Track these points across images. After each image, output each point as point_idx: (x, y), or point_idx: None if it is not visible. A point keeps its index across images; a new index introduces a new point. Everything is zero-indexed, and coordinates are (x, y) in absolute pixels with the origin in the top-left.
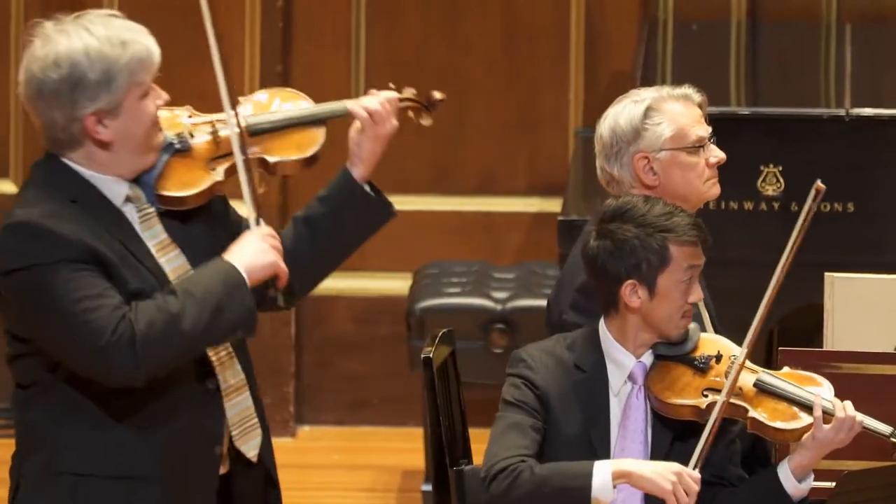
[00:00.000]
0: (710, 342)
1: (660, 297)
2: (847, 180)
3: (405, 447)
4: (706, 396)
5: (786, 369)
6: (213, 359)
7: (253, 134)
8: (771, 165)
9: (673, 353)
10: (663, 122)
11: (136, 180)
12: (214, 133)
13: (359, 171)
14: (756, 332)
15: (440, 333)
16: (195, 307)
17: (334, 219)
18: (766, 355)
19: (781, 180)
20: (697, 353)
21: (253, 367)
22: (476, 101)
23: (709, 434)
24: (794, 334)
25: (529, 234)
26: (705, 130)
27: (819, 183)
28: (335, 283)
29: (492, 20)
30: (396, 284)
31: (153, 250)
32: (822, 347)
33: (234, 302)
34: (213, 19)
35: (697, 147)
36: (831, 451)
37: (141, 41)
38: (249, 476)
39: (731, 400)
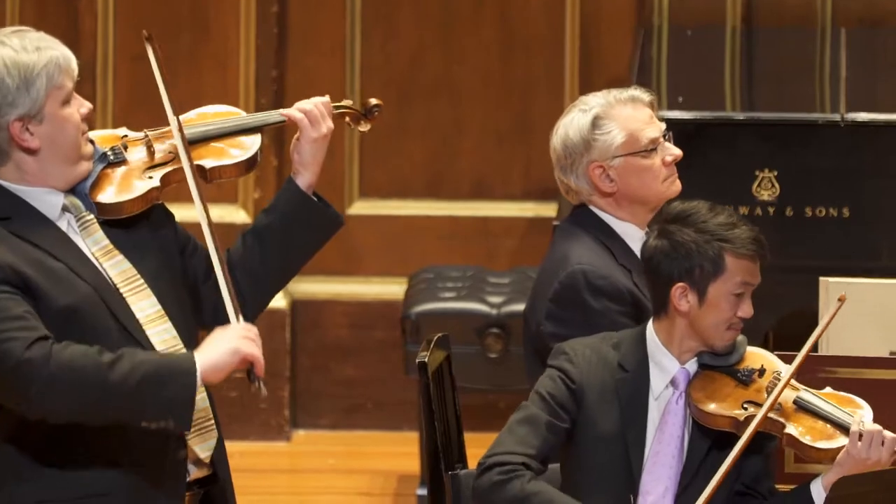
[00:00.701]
0: (757, 356)
1: (709, 305)
2: (842, 185)
3: (400, 452)
4: (745, 409)
5: (828, 389)
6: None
7: (192, 143)
8: (766, 170)
9: (717, 364)
10: (613, 130)
11: (73, 190)
12: (149, 144)
13: (303, 179)
14: (807, 351)
15: (435, 338)
16: (128, 367)
17: (281, 229)
18: None
19: (777, 185)
20: (742, 366)
21: None
22: (471, 108)
23: (741, 446)
24: (788, 339)
25: (524, 239)
26: (658, 130)
27: (843, 294)
28: (331, 288)
29: (487, 28)
30: (392, 289)
31: (94, 257)
32: (816, 352)
33: (173, 384)
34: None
35: (651, 149)
36: (866, 469)
37: (56, 48)
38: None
39: (770, 415)
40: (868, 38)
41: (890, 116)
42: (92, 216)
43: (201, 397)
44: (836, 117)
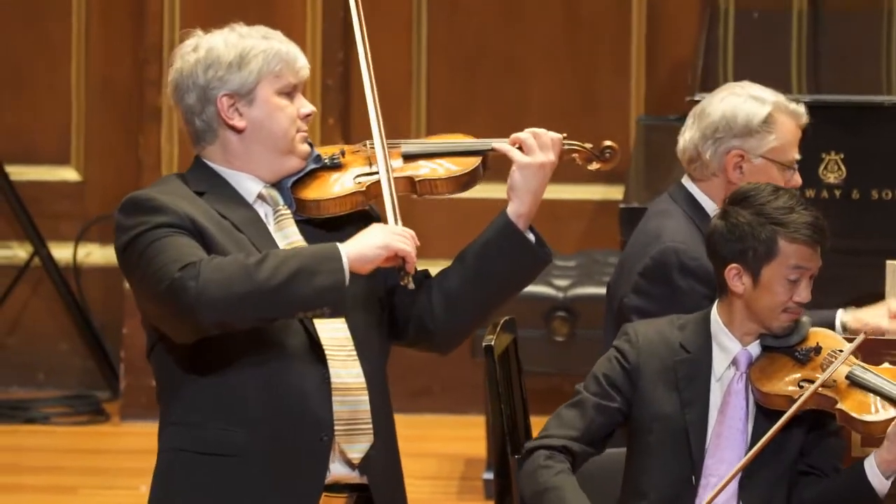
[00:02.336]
0: (820, 335)
1: (763, 287)
2: None
3: (467, 435)
4: (801, 387)
5: (886, 365)
6: (327, 350)
7: (406, 158)
8: (832, 153)
9: (778, 345)
10: (774, 133)
11: (276, 184)
12: (368, 158)
13: (512, 206)
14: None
15: (501, 321)
16: (274, 263)
17: (480, 253)
18: None
19: (843, 168)
20: (802, 346)
21: (382, 376)
22: (537, 88)
23: (785, 419)
24: None
25: (592, 222)
26: (798, 155)
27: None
28: None
29: (553, 6)
30: None
31: (281, 247)
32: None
33: (322, 270)
34: (365, 46)
35: (789, 168)
36: None
37: (285, 44)
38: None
39: (822, 391)
40: None
41: None
42: (289, 211)
43: (361, 399)
44: None
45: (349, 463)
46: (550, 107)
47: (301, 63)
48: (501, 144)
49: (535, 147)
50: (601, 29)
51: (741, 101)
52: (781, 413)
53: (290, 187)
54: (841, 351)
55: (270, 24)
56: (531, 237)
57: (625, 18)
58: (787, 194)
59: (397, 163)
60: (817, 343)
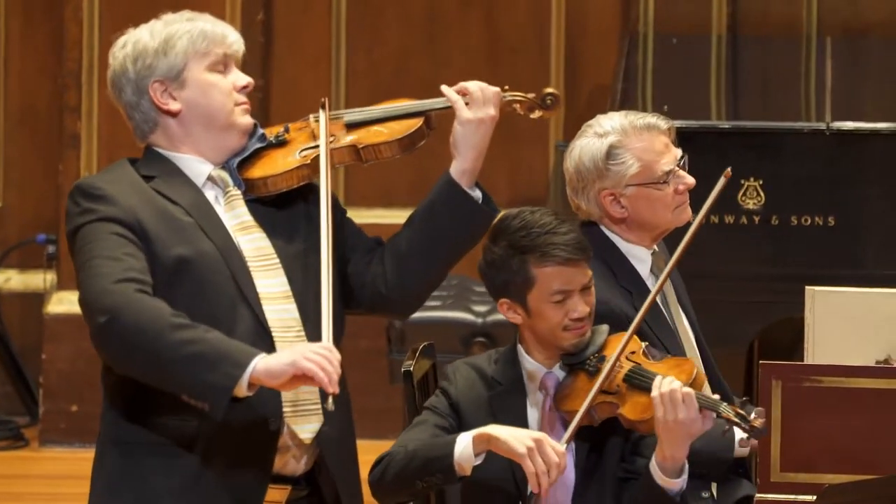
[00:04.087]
0: (614, 342)
1: (535, 315)
2: (828, 194)
3: None
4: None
5: (668, 356)
6: (275, 333)
7: (349, 127)
8: (752, 179)
9: (573, 362)
10: (627, 160)
11: (224, 165)
12: (311, 129)
13: (455, 165)
14: (635, 327)
15: (421, 347)
16: (189, 336)
17: (425, 212)
18: (746, 367)
19: (762, 194)
20: (592, 358)
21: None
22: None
23: (571, 431)
24: (774, 348)
25: None
26: (672, 161)
27: (728, 170)
28: None
29: (472, 34)
30: None
31: (231, 229)
32: (802, 361)
33: (219, 371)
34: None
35: (664, 182)
36: (688, 435)
37: (211, 23)
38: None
39: (606, 399)
40: (853, 46)
41: (875, 125)
42: (238, 192)
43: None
44: (822, 125)
45: (298, 448)
46: None
47: (232, 38)
48: (448, 91)
49: (480, 101)
50: (521, 54)
51: (586, 142)
52: (597, 431)
53: (235, 167)
54: (629, 357)
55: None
56: (477, 194)
57: (544, 43)
58: (537, 218)
59: (341, 133)
60: (601, 352)
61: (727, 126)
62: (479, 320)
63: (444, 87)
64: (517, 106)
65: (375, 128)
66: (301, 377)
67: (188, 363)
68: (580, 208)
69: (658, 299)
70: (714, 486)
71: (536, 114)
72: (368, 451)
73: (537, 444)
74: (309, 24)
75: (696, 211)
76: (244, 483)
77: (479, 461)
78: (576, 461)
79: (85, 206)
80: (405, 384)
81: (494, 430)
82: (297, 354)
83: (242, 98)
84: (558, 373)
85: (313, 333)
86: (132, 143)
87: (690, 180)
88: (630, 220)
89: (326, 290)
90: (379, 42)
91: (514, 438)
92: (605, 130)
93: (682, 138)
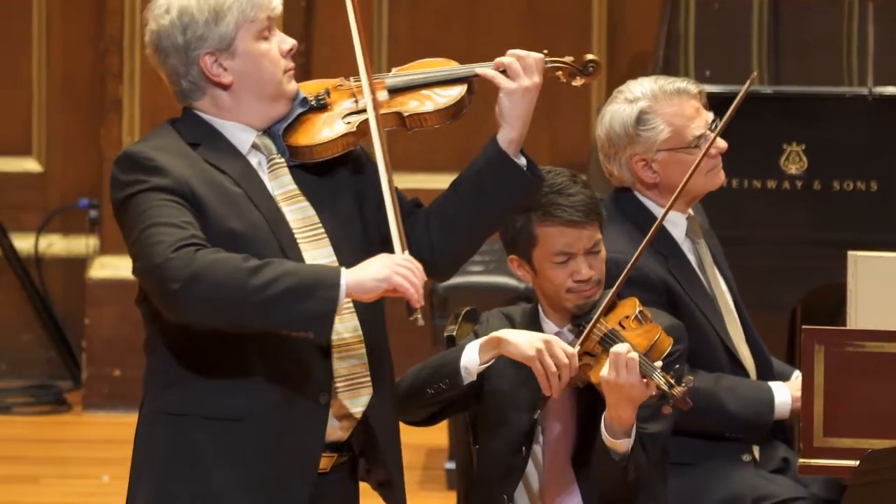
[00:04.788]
0: (625, 306)
1: (540, 274)
2: (870, 159)
3: None
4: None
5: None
6: None
7: (392, 92)
8: (794, 144)
9: (577, 324)
10: (658, 125)
11: (268, 132)
12: (353, 94)
13: (502, 133)
14: (615, 290)
15: (463, 312)
16: (271, 275)
17: (473, 180)
18: (789, 333)
19: (804, 159)
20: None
21: (380, 329)
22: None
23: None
24: (816, 313)
25: None
26: (703, 125)
27: (754, 74)
28: None
29: (514, 1)
30: None
31: (277, 199)
32: (845, 326)
33: (315, 295)
34: None
35: (695, 146)
36: (629, 398)
37: None
38: (372, 453)
39: (585, 361)
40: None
41: None
42: (283, 159)
43: (358, 353)
44: (864, 90)
45: (346, 419)
46: None
47: (275, 1)
48: (485, 70)
49: (519, 71)
50: (562, 21)
51: (616, 108)
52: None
53: (281, 134)
54: (622, 322)
55: None
56: (523, 161)
57: (585, 11)
58: (551, 177)
59: (383, 95)
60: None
61: (769, 91)
62: (521, 285)
63: (480, 70)
64: (559, 73)
65: (419, 93)
66: (391, 291)
67: (281, 302)
68: (612, 174)
69: (694, 263)
70: (756, 450)
71: (578, 81)
72: None
73: (547, 346)
74: None
75: (734, 174)
76: (295, 458)
77: (484, 367)
78: (579, 414)
79: (136, 176)
80: (447, 349)
81: (504, 333)
82: (387, 269)
83: (290, 63)
84: (568, 334)
85: (360, 303)
86: (173, 108)
87: (722, 144)
88: (662, 185)
89: (391, 205)
90: (420, 6)
91: (524, 340)
92: (636, 96)
93: (724, 103)
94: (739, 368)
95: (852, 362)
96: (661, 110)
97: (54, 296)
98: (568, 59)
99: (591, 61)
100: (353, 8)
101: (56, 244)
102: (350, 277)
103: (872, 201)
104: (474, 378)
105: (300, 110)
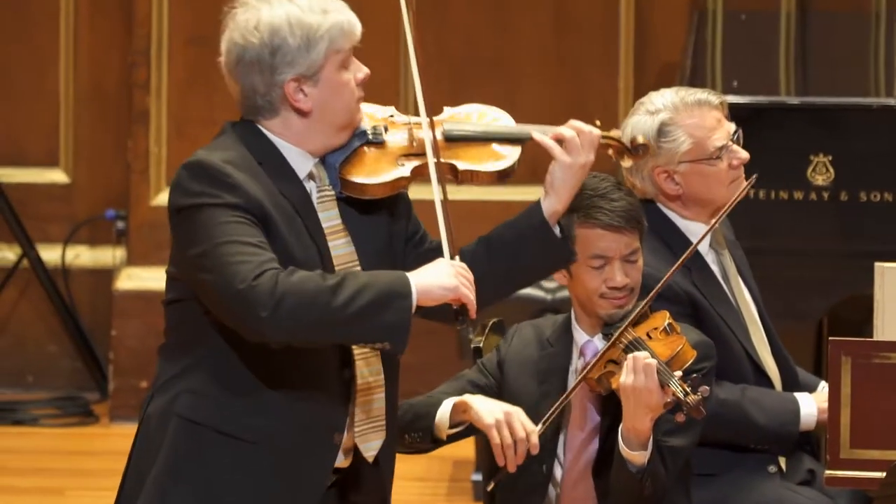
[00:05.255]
0: (655, 317)
1: (575, 279)
2: None
3: None
4: (610, 372)
5: (663, 327)
6: (356, 350)
7: (448, 140)
8: (821, 155)
9: (607, 332)
10: (679, 137)
11: (323, 160)
12: (410, 132)
13: (547, 203)
14: (647, 302)
15: (490, 323)
16: (351, 291)
17: (512, 246)
18: (816, 344)
19: (831, 170)
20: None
21: (397, 373)
22: (525, 92)
23: (567, 395)
24: (843, 325)
25: None
26: (725, 136)
27: (754, 176)
28: None
29: (541, 9)
30: None
31: (325, 231)
32: (872, 338)
33: (392, 308)
34: (412, 24)
35: (716, 157)
36: (646, 405)
37: (343, 12)
38: (368, 476)
39: (610, 369)
40: None
41: None
42: (332, 192)
43: (378, 397)
44: (891, 101)
45: (348, 452)
46: (539, 110)
47: (357, 28)
48: (543, 139)
49: (578, 147)
50: (590, 31)
51: (637, 119)
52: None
53: (337, 167)
54: (650, 333)
55: None
56: (557, 230)
57: (613, 21)
58: (596, 182)
59: (438, 136)
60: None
61: (796, 102)
62: (549, 296)
63: (538, 137)
64: (610, 151)
65: (475, 148)
66: (454, 300)
67: (363, 317)
68: (635, 186)
69: (718, 274)
70: (783, 461)
71: (626, 161)
72: None
73: (507, 417)
74: (378, 2)
75: (761, 185)
76: (300, 486)
77: (454, 430)
78: (602, 425)
79: (208, 188)
80: (475, 360)
81: (472, 399)
82: (453, 278)
83: (361, 93)
84: (599, 342)
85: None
86: (201, 119)
87: (744, 155)
88: (685, 197)
89: (440, 209)
90: (447, 19)
91: (486, 409)
92: (657, 108)
93: (751, 114)
94: (764, 379)
95: (879, 374)
96: (682, 122)
97: (81, 307)
98: (616, 133)
99: (641, 145)
100: (416, 53)
101: (83, 255)
102: (419, 282)
103: None
104: (444, 439)
105: (358, 143)
